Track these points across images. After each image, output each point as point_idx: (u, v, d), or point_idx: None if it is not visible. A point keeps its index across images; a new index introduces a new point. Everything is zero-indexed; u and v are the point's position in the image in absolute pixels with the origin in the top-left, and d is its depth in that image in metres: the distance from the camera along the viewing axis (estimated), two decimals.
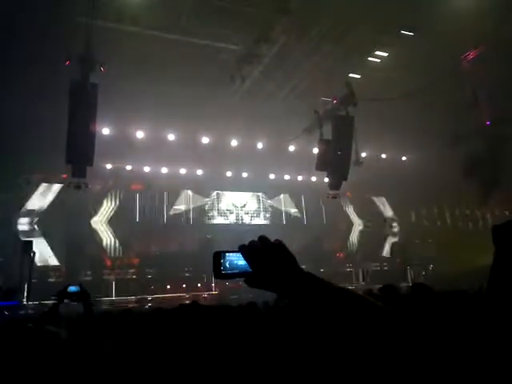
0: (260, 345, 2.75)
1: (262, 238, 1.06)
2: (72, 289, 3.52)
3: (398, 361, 0.87)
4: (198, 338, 2.97)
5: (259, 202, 26.60)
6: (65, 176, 19.38)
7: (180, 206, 24.59)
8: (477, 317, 0.87)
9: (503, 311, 0.85)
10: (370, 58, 18.57)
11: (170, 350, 2.81)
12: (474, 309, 0.90)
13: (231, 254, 1.09)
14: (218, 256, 1.10)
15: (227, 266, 1.08)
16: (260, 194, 26.48)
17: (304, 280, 0.99)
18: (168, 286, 20.95)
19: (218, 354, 2.70)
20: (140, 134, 21.26)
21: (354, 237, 27.34)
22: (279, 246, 1.05)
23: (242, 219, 25.82)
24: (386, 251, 26.57)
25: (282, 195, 26.97)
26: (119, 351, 2.91)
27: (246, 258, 1.05)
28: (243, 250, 1.06)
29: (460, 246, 19.73)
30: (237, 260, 1.08)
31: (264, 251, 1.03)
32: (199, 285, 21.44)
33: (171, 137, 22.09)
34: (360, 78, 19.01)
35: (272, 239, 1.07)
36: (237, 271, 1.07)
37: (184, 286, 21.16)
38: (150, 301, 18.92)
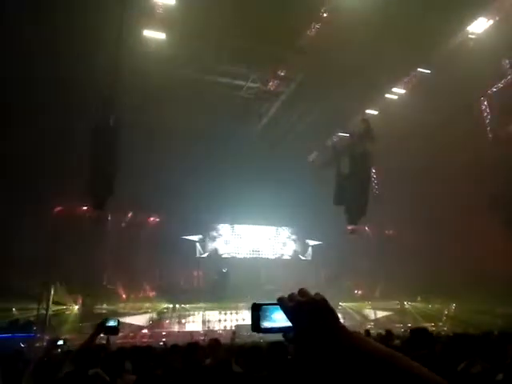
0: None
1: (302, 292, 1.02)
2: (111, 323, 3.58)
3: None
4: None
5: (276, 236, 26.46)
6: (84, 209, 19.84)
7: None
8: None
9: None
10: (387, 95, 18.75)
11: None
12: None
13: (270, 306, 1.04)
14: (257, 308, 1.05)
15: (266, 319, 1.04)
16: (277, 227, 26.37)
17: (349, 339, 0.93)
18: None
19: None
20: None
21: None
22: (321, 301, 0.99)
23: (257, 253, 25.67)
24: None
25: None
26: None
27: (285, 313, 1.00)
28: (283, 303, 1.01)
29: None
30: (276, 313, 1.03)
31: (305, 306, 0.98)
32: None
33: None
34: (377, 115, 19.15)
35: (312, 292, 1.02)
36: (276, 326, 1.02)
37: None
38: (164, 335, 18.70)
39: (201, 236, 24.69)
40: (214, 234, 25.30)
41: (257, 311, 1.05)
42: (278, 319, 1.02)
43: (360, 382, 0.92)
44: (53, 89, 15.01)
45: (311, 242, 27.02)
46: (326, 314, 0.97)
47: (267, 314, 1.04)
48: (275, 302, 1.03)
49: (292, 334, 0.99)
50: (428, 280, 21.55)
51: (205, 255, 24.67)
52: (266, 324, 1.04)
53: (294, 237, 26.94)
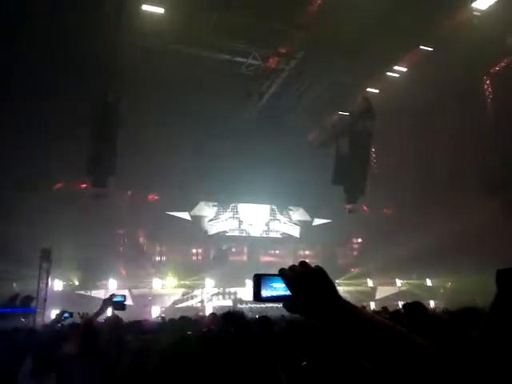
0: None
1: (303, 264, 1.06)
2: (118, 298, 3.64)
3: None
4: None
5: (274, 215, 26.57)
6: (84, 186, 19.88)
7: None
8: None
9: (497, 358, 0.85)
10: (388, 73, 18.52)
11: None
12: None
13: (271, 277, 1.10)
14: (258, 279, 1.11)
15: (267, 289, 1.09)
16: (276, 206, 26.46)
17: (344, 309, 0.98)
18: None
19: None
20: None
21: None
22: (320, 272, 1.03)
23: (255, 231, 25.84)
24: None
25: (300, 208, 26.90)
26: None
27: (285, 283, 1.04)
28: (283, 274, 1.05)
29: None
30: (276, 284, 1.08)
31: (304, 277, 1.02)
32: None
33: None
34: (378, 93, 18.96)
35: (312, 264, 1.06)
36: (276, 295, 1.08)
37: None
38: (163, 311, 18.99)
39: (189, 212, 24.68)
40: (214, 212, 25.39)
41: (258, 281, 1.11)
42: (278, 289, 1.07)
43: (356, 349, 0.97)
44: (51, 66, 14.85)
45: (313, 221, 27.17)
46: (325, 284, 1.02)
47: (268, 284, 1.10)
48: (276, 273, 1.08)
49: (291, 303, 1.04)
50: (424, 258, 21.82)
51: (204, 233, 24.82)
52: (266, 294, 1.09)
53: (293, 215, 27.02)
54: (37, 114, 15.93)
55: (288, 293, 1.04)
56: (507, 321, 0.94)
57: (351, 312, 0.97)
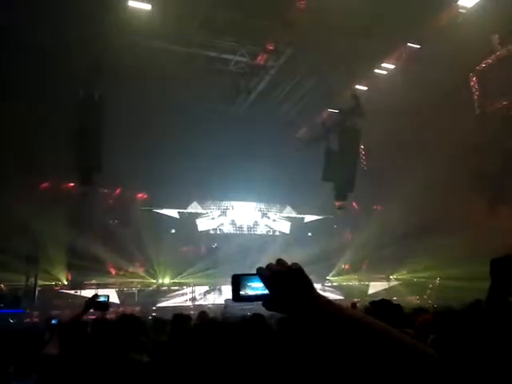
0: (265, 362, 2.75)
1: (280, 262, 1.07)
2: (101, 299, 3.62)
3: None
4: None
5: (265, 212, 26.57)
6: (71, 185, 19.68)
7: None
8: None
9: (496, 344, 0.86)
10: (376, 70, 18.60)
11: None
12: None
13: (249, 276, 1.11)
14: (237, 279, 1.12)
15: (245, 288, 1.10)
16: (264, 204, 26.45)
17: (321, 306, 0.98)
18: None
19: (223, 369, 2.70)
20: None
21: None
22: (296, 270, 1.04)
23: (247, 229, 25.82)
24: None
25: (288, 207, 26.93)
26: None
27: (263, 281, 1.06)
28: (261, 273, 1.07)
29: None
30: (255, 283, 1.09)
31: (281, 275, 1.03)
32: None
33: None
34: (366, 90, 19.04)
35: (288, 261, 1.07)
36: (255, 294, 1.09)
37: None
38: (154, 310, 18.89)
39: (178, 211, 24.57)
40: (203, 210, 25.30)
41: (236, 281, 1.12)
42: (257, 288, 1.09)
43: (334, 346, 0.97)
44: (37, 62, 14.61)
45: (303, 218, 27.24)
46: (302, 281, 1.03)
47: (246, 283, 1.11)
48: (254, 272, 1.09)
49: (269, 301, 1.05)
50: (414, 254, 22.03)
51: (194, 231, 24.72)
52: (245, 293, 1.11)
53: (283, 213, 27.05)
54: (20, 112, 15.66)
55: (266, 291, 1.05)
56: (502, 311, 0.95)
57: (328, 308, 0.98)
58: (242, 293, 1.11)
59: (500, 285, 1.40)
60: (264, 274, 1.06)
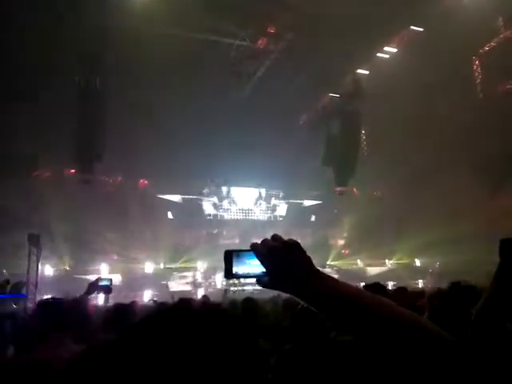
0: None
1: (276, 237, 1.00)
2: (104, 282, 3.66)
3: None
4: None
5: (266, 198, 26.60)
6: (72, 171, 19.66)
7: None
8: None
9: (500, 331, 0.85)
10: (378, 54, 18.39)
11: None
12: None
13: (243, 252, 1.03)
14: (230, 255, 1.05)
15: (239, 265, 1.03)
16: (265, 189, 26.45)
17: (321, 281, 0.93)
18: None
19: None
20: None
21: None
22: (294, 245, 0.97)
23: (248, 214, 25.89)
24: None
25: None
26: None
27: (258, 258, 0.98)
28: (256, 248, 0.99)
29: None
30: (249, 259, 1.01)
31: (278, 251, 0.96)
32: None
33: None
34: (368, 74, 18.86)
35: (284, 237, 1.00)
36: (249, 271, 1.02)
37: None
38: (156, 295, 19.04)
39: (181, 196, 24.58)
40: (205, 195, 25.33)
41: (229, 258, 1.05)
42: (251, 265, 1.02)
43: (334, 321, 0.94)
44: (38, 49, 14.44)
45: (304, 203, 27.26)
46: (299, 257, 0.97)
47: (240, 260, 1.04)
48: (249, 248, 1.02)
49: (265, 278, 0.99)
50: (414, 239, 22.10)
51: (196, 217, 24.78)
52: (238, 270, 1.04)
53: (283, 197, 27.05)
54: (22, 100, 15.56)
55: (261, 268, 0.99)
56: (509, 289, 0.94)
57: (330, 283, 0.94)
58: (234, 269, 1.03)
59: (509, 266, 1.38)
60: (259, 250, 0.98)
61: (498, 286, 1.43)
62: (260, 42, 17.40)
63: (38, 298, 15.08)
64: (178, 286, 21.52)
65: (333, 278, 0.97)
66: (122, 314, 3.53)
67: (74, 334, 3.03)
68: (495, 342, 1.29)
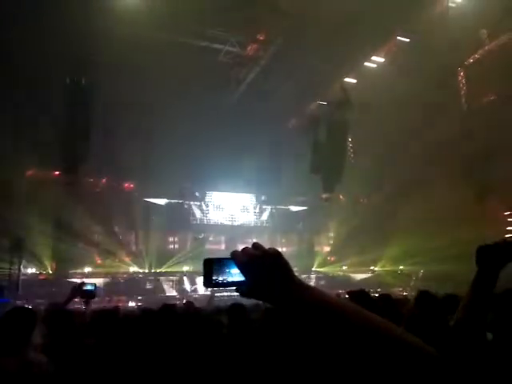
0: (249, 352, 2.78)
1: (257, 246, 0.98)
2: (87, 287, 3.58)
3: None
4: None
5: (252, 203, 26.58)
6: (57, 173, 19.40)
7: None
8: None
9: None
10: (366, 63, 18.63)
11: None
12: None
13: (223, 261, 1.02)
14: (209, 263, 1.03)
15: (219, 273, 1.01)
16: (252, 195, 26.44)
17: (301, 292, 0.92)
18: None
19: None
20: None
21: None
22: (275, 254, 0.96)
23: (233, 220, 25.81)
24: None
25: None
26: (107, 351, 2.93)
27: (238, 266, 0.97)
28: (236, 257, 0.97)
29: None
30: (229, 268, 1.00)
31: (258, 259, 0.95)
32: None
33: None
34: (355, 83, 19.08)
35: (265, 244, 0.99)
36: (228, 280, 1.01)
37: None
38: (140, 300, 18.84)
39: (167, 200, 24.42)
40: (190, 200, 25.20)
41: (209, 266, 1.03)
42: (231, 274, 1.01)
43: (313, 332, 0.93)
44: (23, 49, 14.28)
45: (291, 209, 27.32)
46: (280, 266, 0.95)
47: (219, 268, 1.02)
48: (229, 256, 1.00)
49: (244, 287, 0.98)
50: (400, 247, 22.29)
51: (181, 221, 24.62)
52: (217, 278, 1.02)
53: (269, 203, 27.05)
54: (7, 100, 15.34)
55: (242, 277, 0.97)
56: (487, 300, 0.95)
57: (309, 294, 0.92)
58: (214, 278, 1.02)
59: (486, 273, 1.38)
60: (239, 258, 0.97)
61: (475, 293, 1.45)
62: (249, 48, 17.47)
63: (20, 303, 14.85)
64: (163, 290, 21.35)
65: (312, 288, 0.96)
66: (104, 319, 3.48)
67: (45, 344, 2.98)
68: (475, 352, 1.30)
